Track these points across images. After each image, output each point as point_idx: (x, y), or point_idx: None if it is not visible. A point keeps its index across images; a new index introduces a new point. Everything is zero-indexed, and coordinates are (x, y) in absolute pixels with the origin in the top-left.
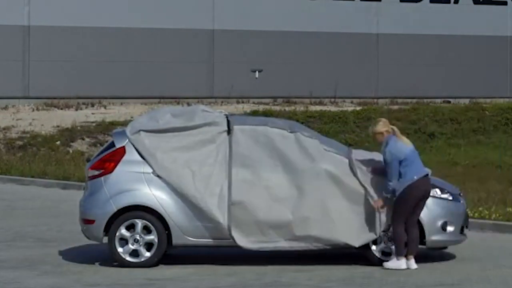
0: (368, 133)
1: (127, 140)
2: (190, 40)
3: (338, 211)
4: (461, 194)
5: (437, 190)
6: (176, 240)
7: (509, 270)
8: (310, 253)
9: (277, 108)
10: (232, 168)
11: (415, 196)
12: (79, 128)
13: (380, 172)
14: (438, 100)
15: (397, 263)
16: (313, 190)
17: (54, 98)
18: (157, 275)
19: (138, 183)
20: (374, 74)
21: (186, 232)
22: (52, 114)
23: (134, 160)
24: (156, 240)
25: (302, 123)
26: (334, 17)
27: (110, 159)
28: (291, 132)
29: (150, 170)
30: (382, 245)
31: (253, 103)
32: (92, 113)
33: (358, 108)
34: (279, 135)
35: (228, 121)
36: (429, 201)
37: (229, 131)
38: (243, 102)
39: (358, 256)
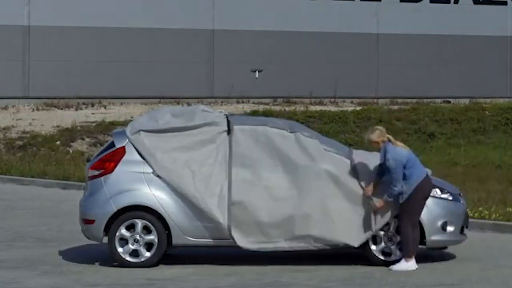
0: (364, 140)
1: (127, 140)
2: (190, 40)
3: (338, 211)
4: (461, 194)
5: (437, 190)
6: (176, 240)
7: (509, 270)
8: (310, 253)
9: (277, 108)
10: (232, 168)
11: (422, 197)
12: (79, 128)
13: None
14: (438, 100)
15: (406, 265)
16: (313, 190)
17: (54, 98)
18: (157, 275)
19: (138, 183)
20: (374, 74)
21: (186, 232)
22: (52, 114)
23: (134, 160)
24: (156, 240)
25: (302, 123)
26: (334, 17)
27: (110, 159)
28: (291, 132)
29: (150, 170)
30: (382, 245)
31: (253, 103)
32: (92, 113)
33: (358, 108)
34: (279, 135)
35: (228, 121)
36: (429, 201)
37: (229, 131)
38: (243, 102)
39: (358, 256)
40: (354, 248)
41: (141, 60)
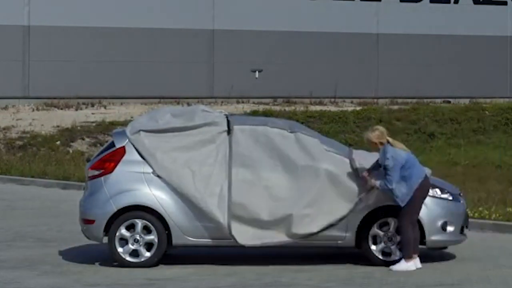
0: (364, 139)
1: (127, 140)
2: (190, 40)
3: (338, 210)
4: (461, 194)
5: (437, 190)
6: (176, 240)
7: (509, 270)
8: (310, 253)
9: (277, 108)
10: (232, 168)
11: (421, 197)
12: (79, 128)
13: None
14: (438, 100)
15: (406, 265)
16: (313, 190)
17: (54, 98)
18: (157, 275)
19: (138, 183)
20: (374, 74)
21: (186, 232)
22: (52, 114)
23: (134, 160)
24: (156, 240)
25: (302, 123)
26: (334, 17)
27: (110, 159)
28: (291, 132)
29: (150, 170)
30: (382, 245)
31: (253, 103)
32: (92, 113)
33: (358, 108)
34: (279, 135)
35: (228, 121)
36: (429, 201)
37: (229, 131)
38: (243, 102)
39: (358, 256)
40: (354, 248)
41: (141, 60)
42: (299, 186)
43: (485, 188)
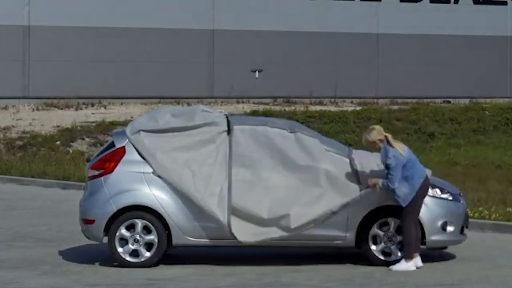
0: (363, 141)
1: (127, 140)
2: (190, 40)
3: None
4: (461, 194)
5: (437, 190)
6: (176, 240)
7: (509, 270)
8: (310, 253)
9: (277, 108)
10: (232, 168)
11: (422, 196)
12: (79, 128)
13: (380, 174)
14: (438, 100)
15: (406, 265)
16: (313, 190)
17: (54, 98)
18: (157, 275)
19: (138, 183)
20: (374, 74)
21: (186, 232)
22: (52, 114)
23: (134, 160)
24: (156, 240)
25: (302, 123)
26: (334, 17)
27: (110, 159)
28: (291, 132)
29: (150, 170)
30: (382, 245)
31: (253, 103)
32: (92, 113)
33: (358, 108)
34: (279, 135)
35: (228, 121)
36: (429, 201)
37: (229, 131)
38: (243, 102)
39: (358, 256)
40: (354, 248)
41: (141, 60)
42: (299, 186)
43: (485, 188)
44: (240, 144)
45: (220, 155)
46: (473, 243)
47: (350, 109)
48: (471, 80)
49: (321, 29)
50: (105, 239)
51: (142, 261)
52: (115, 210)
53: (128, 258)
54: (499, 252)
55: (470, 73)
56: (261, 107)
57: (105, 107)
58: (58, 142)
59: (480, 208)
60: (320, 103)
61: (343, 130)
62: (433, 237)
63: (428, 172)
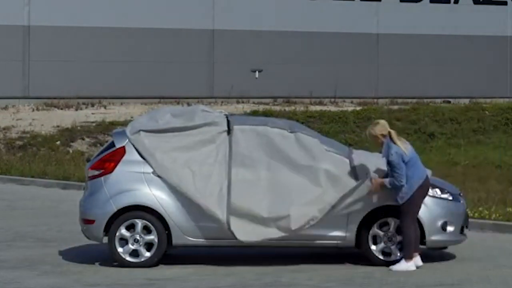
0: (366, 135)
1: (127, 140)
2: (190, 40)
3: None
4: (461, 194)
5: (437, 190)
6: (176, 240)
7: (509, 270)
8: (310, 253)
9: (277, 108)
10: (232, 168)
11: (422, 196)
12: (79, 128)
13: (381, 173)
14: (438, 100)
15: (406, 265)
16: (313, 190)
17: (54, 98)
18: (157, 275)
19: (138, 183)
20: (374, 74)
21: (186, 232)
22: (52, 114)
23: (134, 160)
24: (156, 240)
25: (302, 123)
26: (334, 17)
27: (110, 159)
28: (291, 132)
29: (150, 170)
30: (382, 245)
31: (253, 103)
32: (92, 113)
33: (358, 108)
34: (279, 135)
35: (228, 121)
36: (429, 201)
37: (229, 131)
38: (243, 102)
39: (358, 256)
40: (354, 248)
41: (141, 60)
42: (299, 186)
43: (485, 188)
44: (240, 144)
45: (220, 155)
46: (473, 243)
47: (350, 109)
48: (471, 80)
49: (321, 29)
50: (105, 239)
51: (142, 261)
52: (115, 210)
53: (128, 258)
54: (499, 252)
55: (470, 73)
56: (261, 107)
57: (105, 107)
58: (58, 142)
59: (480, 208)
60: (320, 103)
61: (343, 130)
62: (433, 237)
63: (428, 172)
